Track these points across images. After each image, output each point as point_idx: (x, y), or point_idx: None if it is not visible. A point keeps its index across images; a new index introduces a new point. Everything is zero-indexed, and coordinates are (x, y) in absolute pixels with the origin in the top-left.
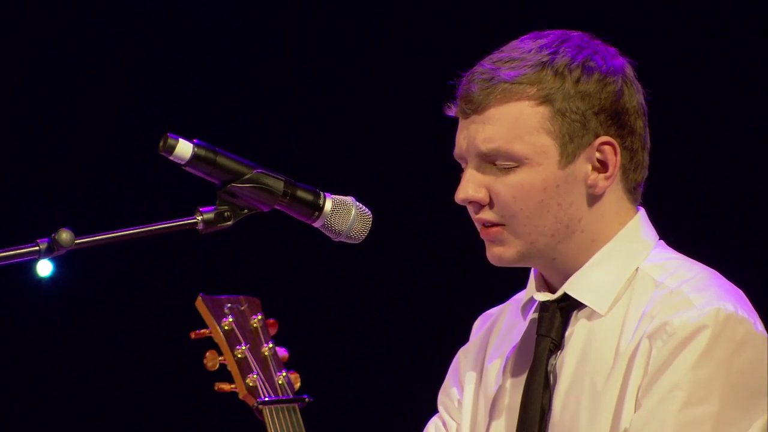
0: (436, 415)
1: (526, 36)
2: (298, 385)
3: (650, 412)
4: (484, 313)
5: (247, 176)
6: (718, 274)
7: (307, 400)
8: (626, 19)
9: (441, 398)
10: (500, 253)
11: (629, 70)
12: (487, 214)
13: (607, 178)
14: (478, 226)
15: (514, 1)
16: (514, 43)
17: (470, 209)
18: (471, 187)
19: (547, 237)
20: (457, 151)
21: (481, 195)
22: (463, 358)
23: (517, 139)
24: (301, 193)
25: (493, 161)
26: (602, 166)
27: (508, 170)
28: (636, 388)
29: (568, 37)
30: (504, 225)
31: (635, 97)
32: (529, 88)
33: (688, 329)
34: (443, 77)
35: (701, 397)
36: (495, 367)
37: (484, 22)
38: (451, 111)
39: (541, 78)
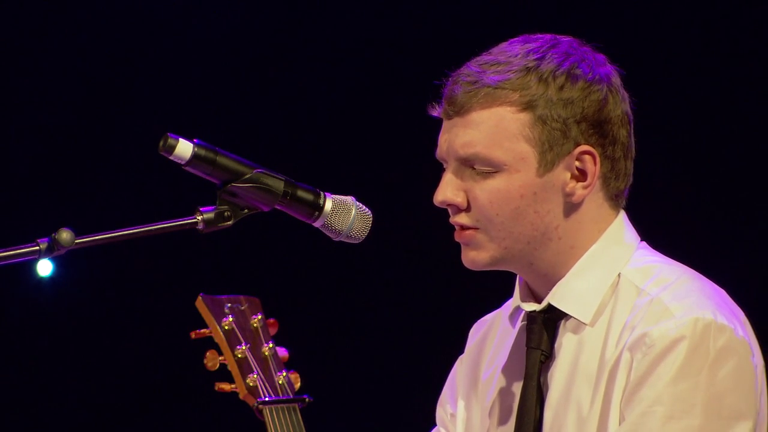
0: (435, 428)
1: (515, 39)
2: (298, 385)
3: (632, 427)
4: (479, 321)
5: (248, 176)
6: (699, 275)
7: (307, 400)
8: (614, 21)
9: (438, 411)
10: (473, 257)
11: (616, 79)
12: (463, 218)
13: (585, 188)
14: (455, 229)
15: (513, 3)
16: (502, 46)
17: (449, 211)
18: (449, 190)
19: (523, 243)
20: (438, 152)
21: (460, 199)
22: (460, 369)
23: (496, 145)
24: (301, 193)
25: (471, 165)
26: (581, 174)
27: (486, 175)
28: (619, 400)
29: (557, 42)
30: (478, 229)
31: (620, 106)
32: (511, 94)
33: (666, 341)
34: (444, 76)
35: (683, 410)
36: (489, 378)
37: (483, 22)
38: (435, 111)
39: (524, 84)
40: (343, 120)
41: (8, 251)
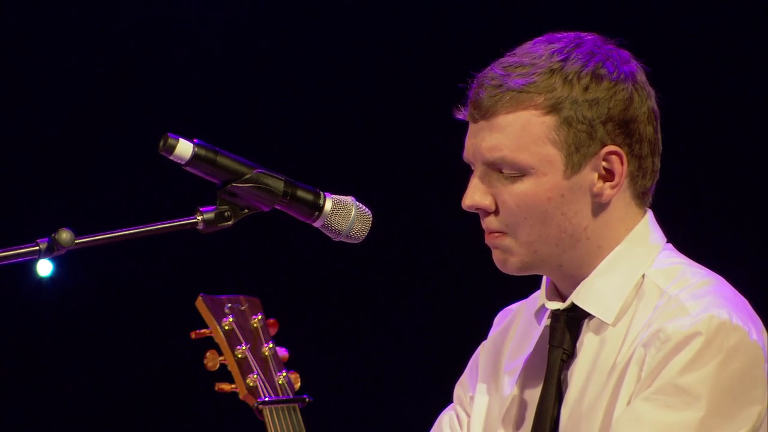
0: (451, 405)
1: (539, 38)
2: (298, 385)
3: (634, 412)
4: (504, 309)
5: (248, 176)
6: (722, 279)
7: (307, 400)
8: (634, 19)
9: (457, 390)
10: (504, 259)
11: (640, 76)
12: (493, 222)
13: (613, 187)
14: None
15: (524, 1)
16: (527, 46)
17: (479, 215)
18: (477, 194)
19: (551, 246)
20: (465, 155)
21: (487, 202)
22: (482, 355)
23: (523, 149)
24: (301, 193)
25: (499, 169)
26: (608, 174)
27: (513, 179)
28: (628, 395)
29: (582, 41)
30: (507, 233)
31: (646, 103)
32: (537, 97)
33: (680, 336)
34: (445, 77)
35: (686, 401)
36: (511, 371)
37: (486, 21)
38: (461, 114)
39: (549, 86)
40: (343, 120)
41: (8, 251)
